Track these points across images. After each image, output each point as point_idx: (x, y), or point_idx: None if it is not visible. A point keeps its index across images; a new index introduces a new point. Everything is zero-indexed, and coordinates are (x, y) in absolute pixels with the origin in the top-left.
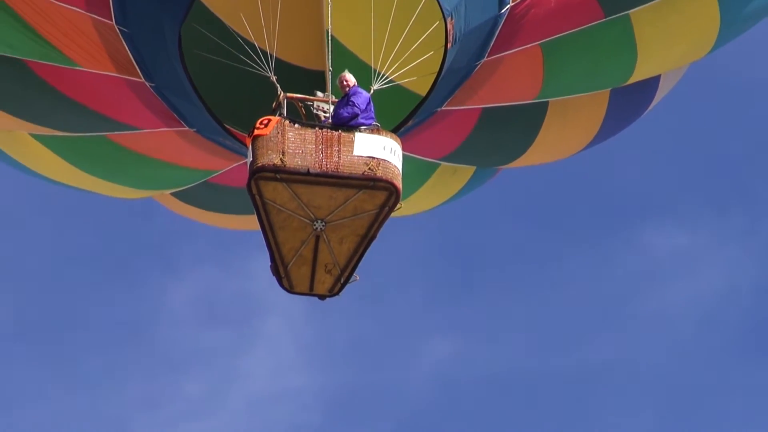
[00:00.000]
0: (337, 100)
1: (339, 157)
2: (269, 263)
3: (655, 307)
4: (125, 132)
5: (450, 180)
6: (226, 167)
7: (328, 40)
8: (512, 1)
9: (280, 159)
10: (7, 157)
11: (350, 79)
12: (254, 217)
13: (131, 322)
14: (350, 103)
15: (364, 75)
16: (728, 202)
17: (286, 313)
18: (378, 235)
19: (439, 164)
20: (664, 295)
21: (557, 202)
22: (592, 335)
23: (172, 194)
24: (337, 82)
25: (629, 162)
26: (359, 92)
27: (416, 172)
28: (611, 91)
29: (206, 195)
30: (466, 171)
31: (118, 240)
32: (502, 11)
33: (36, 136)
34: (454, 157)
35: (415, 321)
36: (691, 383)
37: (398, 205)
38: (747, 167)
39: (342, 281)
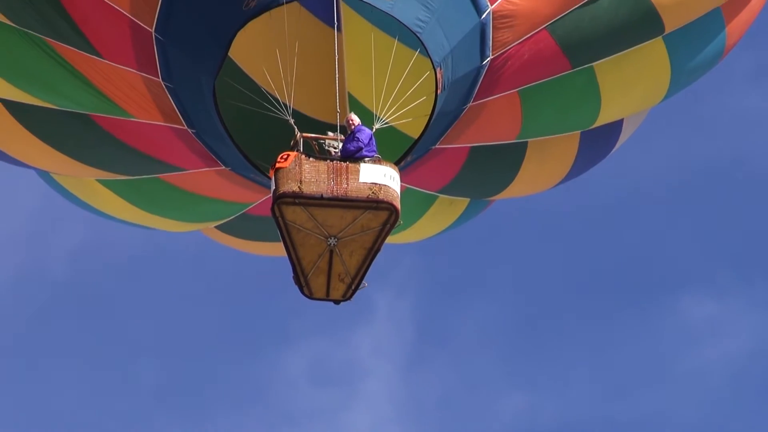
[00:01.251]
0: (344, 137)
1: (347, 184)
2: (292, 275)
3: (691, 365)
4: (174, 173)
5: (448, 210)
6: (259, 200)
7: (337, 88)
8: (492, 54)
9: (298, 186)
10: (78, 199)
11: (355, 119)
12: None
13: (254, 385)
14: (355, 138)
15: (368, 118)
16: (754, 274)
17: (383, 375)
18: (381, 248)
19: (438, 196)
20: (699, 355)
21: (611, 273)
22: (638, 390)
23: (216, 227)
24: (344, 121)
25: (669, 238)
26: (363, 129)
27: (418, 202)
28: (581, 133)
29: (244, 226)
30: (462, 202)
31: (245, 316)
32: (484, 63)
33: (101, 181)
34: (449, 189)
35: (493, 378)
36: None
37: (398, 222)
38: None
39: (353, 288)
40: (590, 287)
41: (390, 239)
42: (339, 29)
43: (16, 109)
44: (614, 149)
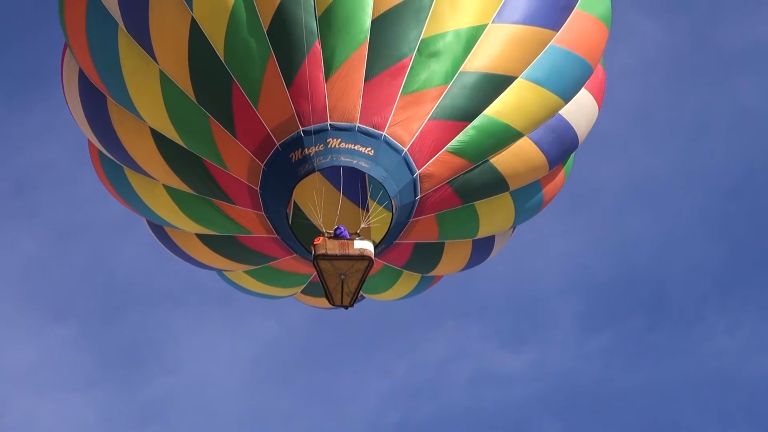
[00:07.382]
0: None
1: (348, 249)
2: (325, 295)
3: None
4: (274, 261)
5: (409, 280)
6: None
7: (339, 210)
8: (420, 195)
9: (325, 251)
10: (237, 285)
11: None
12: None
13: None
14: (340, 229)
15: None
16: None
17: None
18: (366, 278)
19: (403, 271)
20: None
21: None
22: None
23: (301, 292)
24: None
25: (681, 404)
26: (342, 227)
27: (391, 273)
28: (472, 240)
29: (312, 288)
30: (417, 276)
31: None
32: (416, 199)
33: (245, 271)
34: (407, 266)
35: None
36: None
37: (372, 266)
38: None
39: (353, 300)
40: None
41: (380, 296)
42: (340, 188)
43: (201, 237)
44: (492, 254)
